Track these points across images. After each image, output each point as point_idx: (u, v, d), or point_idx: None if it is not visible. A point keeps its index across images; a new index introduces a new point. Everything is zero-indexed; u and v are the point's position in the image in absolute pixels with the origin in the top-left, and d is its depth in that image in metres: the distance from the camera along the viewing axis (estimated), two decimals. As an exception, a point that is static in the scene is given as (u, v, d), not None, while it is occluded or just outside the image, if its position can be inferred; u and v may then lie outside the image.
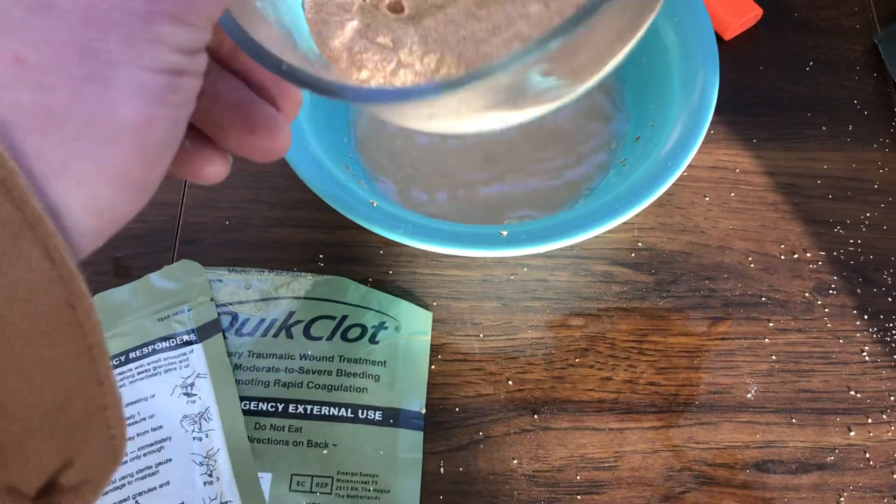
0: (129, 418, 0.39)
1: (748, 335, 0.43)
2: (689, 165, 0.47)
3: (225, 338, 0.41)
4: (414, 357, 0.42)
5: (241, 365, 0.41)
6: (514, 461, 0.40)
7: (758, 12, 0.52)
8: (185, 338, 0.41)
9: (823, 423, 0.41)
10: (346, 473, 0.38)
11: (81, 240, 0.17)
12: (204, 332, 0.41)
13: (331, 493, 0.38)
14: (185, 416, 0.39)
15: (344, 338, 0.42)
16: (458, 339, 0.43)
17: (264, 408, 0.40)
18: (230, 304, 0.42)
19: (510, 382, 0.42)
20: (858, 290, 0.45)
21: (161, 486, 0.37)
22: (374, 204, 0.38)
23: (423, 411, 0.40)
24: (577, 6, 0.20)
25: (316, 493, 0.38)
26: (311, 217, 0.46)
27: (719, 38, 0.52)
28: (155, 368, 0.40)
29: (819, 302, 0.44)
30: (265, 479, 0.38)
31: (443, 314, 0.43)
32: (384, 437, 0.39)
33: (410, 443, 0.39)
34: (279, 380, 0.40)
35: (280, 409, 0.40)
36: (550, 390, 0.41)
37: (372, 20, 0.24)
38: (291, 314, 0.42)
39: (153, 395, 0.39)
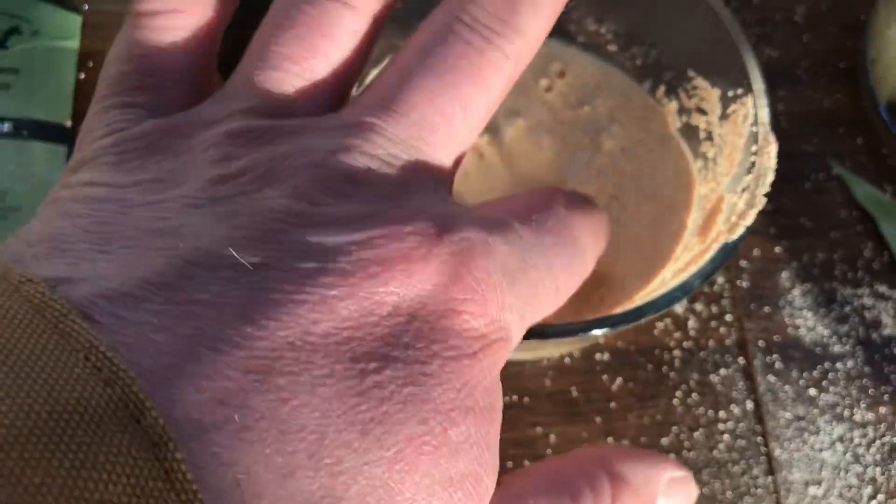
0: None
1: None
2: None
3: None
4: (56, 66, 0.35)
5: None
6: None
7: None
8: None
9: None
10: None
11: None
12: None
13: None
14: None
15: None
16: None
17: None
18: None
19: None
20: None
21: None
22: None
23: (70, 124, 0.34)
24: None
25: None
26: None
27: None
28: None
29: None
30: None
31: (98, 19, 0.37)
32: (15, 151, 0.33)
33: (50, 156, 0.34)
34: None
35: None
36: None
37: None
38: None
39: None
